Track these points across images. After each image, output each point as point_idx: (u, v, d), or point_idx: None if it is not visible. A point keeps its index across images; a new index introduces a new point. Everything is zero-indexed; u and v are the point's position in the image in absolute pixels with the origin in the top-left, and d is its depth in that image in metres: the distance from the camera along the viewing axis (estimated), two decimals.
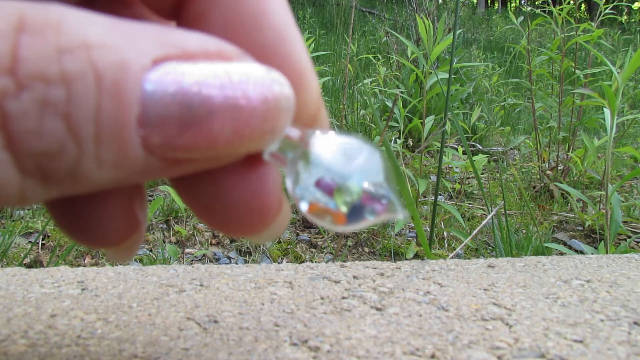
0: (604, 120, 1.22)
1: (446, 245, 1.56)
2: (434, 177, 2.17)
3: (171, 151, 0.16)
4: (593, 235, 1.72)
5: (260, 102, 0.16)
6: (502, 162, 2.70)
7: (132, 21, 0.16)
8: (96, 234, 0.21)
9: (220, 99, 0.16)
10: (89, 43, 0.15)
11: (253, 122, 0.16)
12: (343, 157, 0.18)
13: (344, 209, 0.18)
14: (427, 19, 1.72)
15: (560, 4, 2.13)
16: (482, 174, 2.38)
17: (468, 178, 2.22)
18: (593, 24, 2.02)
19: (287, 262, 1.42)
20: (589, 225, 1.73)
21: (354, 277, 0.45)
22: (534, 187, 2.18)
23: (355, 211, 0.18)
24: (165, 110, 0.15)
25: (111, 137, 0.15)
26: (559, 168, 2.18)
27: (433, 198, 1.12)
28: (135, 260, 1.35)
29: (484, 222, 1.00)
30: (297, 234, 1.60)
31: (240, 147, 0.17)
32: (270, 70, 0.17)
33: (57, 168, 0.15)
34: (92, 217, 0.20)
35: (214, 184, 0.19)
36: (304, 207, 0.19)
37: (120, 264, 1.34)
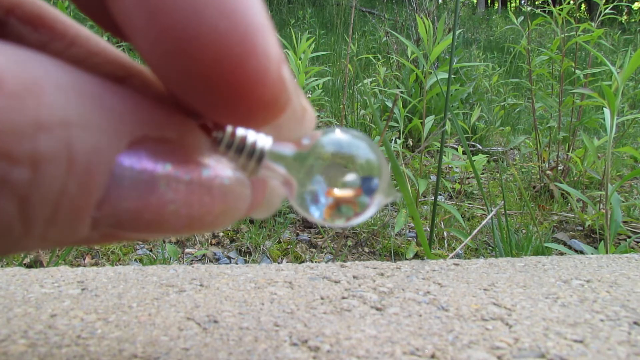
0: (604, 120, 1.22)
1: (446, 245, 1.56)
2: (434, 177, 2.18)
3: (117, 230, 0.15)
4: (593, 235, 1.72)
5: (219, 204, 0.16)
6: (502, 162, 2.70)
7: (115, 89, 0.14)
8: None
9: (183, 195, 0.15)
10: (69, 120, 0.13)
11: (206, 219, 0.16)
12: (338, 158, 0.19)
13: (353, 209, 0.19)
14: (427, 19, 1.72)
15: (560, 4, 2.13)
16: (482, 174, 2.38)
17: (468, 178, 2.22)
18: (593, 24, 2.02)
19: (287, 262, 1.42)
20: (589, 225, 1.74)
21: (354, 277, 0.45)
22: (534, 187, 2.18)
23: (359, 207, 0.19)
24: (128, 196, 0.14)
25: (64, 222, 0.13)
26: (559, 168, 2.18)
27: (433, 198, 1.12)
28: (135, 260, 1.35)
29: (484, 222, 1.00)
30: (297, 234, 1.60)
31: (187, 234, 0.17)
32: (239, 177, 0.17)
33: None
34: None
35: None
36: (316, 214, 0.19)
37: (120, 264, 1.34)
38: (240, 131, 0.18)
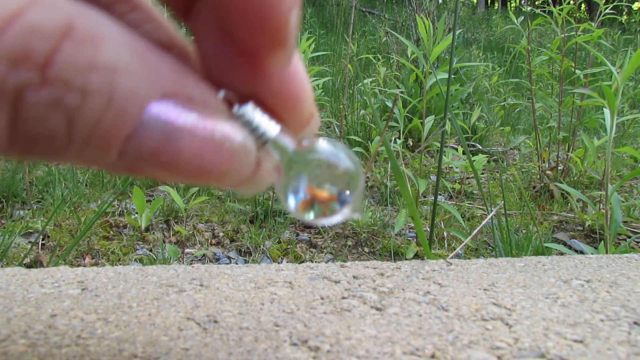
0: (604, 120, 1.22)
1: (446, 245, 1.56)
2: (434, 177, 2.18)
3: (138, 164, 0.18)
4: (593, 235, 1.72)
5: (226, 162, 0.19)
6: (502, 162, 2.70)
7: (160, 52, 0.18)
8: None
9: (197, 147, 0.18)
10: (117, 67, 0.17)
11: (213, 173, 0.19)
12: (326, 165, 0.22)
13: (323, 210, 0.22)
14: (427, 19, 1.72)
15: (560, 4, 2.13)
16: (482, 174, 2.38)
17: (468, 178, 2.22)
18: (593, 24, 2.02)
19: (287, 262, 1.42)
20: (589, 225, 1.74)
21: (354, 277, 0.45)
22: (534, 187, 2.18)
23: (329, 210, 0.22)
24: (150, 138, 0.18)
25: (98, 144, 0.17)
26: (559, 168, 2.18)
27: (433, 198, 1.12)
28: (135, 260, 1.35)
29: (484, 222, 1.00)
30: (297, 234, 1.60)
31: (195, 183, 0.20)
32: (246, 138, 0.20)
33: (40, 149, 0.17)
34: None
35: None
36: (292, 203, 0.22)
37: (120, 264, 1.33)
38: (257, 114, 0.21)
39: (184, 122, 0.18)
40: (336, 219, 0.23)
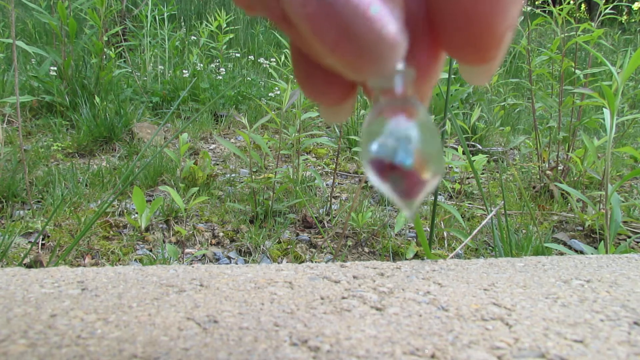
0: (604, 120, 1.22)
1: (446, 245, 1.56)
2: None
3: (287, 9, 0.18)
4: (593, 235, 1.72)
5: (373, 44, 0.18)
6: (502, 162, 2.70)
7: None
8: (322, 92, 0.23)
9: (344, 12, 0.17)
10: None
11: (352, 47, 0.18)
12: (416, 140, 0.20)
13: (386, 172, 0.20)
14: None
15: (560, 4, 2.13)
16: (482, 174, 2.38)
17: (468, 178, 2.22)
18: (593, 24, 2.02)
19: (287, 262, 1.42)
20: (589, 225, 1.74)
21: (354, 277, 0.45)
22: (534, 187, 2.18)
23: (389, 178, 0.20)
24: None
25: None
26: (559, 168, 2.18)
27: (433, 198, 1.12)
28: (135, 260, 1.35)
29: (484, 222, 1.00)
30: (297, 234, 1.60)
31: (322, 52, 0.19)
32: (400, 35, 0.19)
33: None
34: (323, 76, 0.23)
35: None
36: (373, 146, 0.20)
37: (120, 264, 1.33)
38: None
39: None
40: (386, 190, 0.21)
